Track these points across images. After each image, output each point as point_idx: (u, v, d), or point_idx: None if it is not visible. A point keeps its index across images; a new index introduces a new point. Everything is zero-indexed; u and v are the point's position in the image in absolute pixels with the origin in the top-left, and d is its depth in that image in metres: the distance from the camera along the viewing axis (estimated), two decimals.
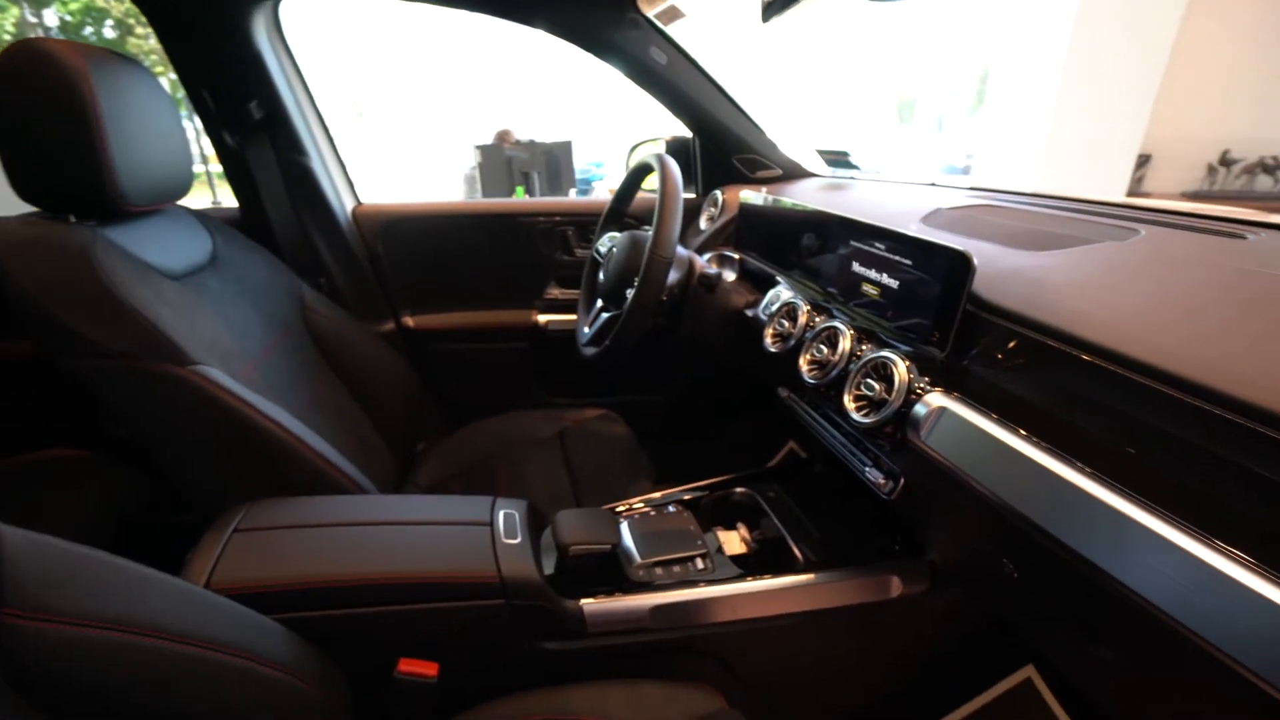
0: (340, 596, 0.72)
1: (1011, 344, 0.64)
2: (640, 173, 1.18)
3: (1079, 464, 0.53)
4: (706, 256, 1.28)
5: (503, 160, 3.72)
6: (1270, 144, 3.34)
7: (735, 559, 0.92)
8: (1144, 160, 3.71)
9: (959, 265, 0.68)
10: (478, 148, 3.89)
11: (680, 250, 1.10)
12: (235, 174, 1.33)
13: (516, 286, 1.64)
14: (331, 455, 0.93)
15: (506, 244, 1.61)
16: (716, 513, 1.04)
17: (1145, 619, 0.46)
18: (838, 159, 1.40)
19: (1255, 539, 0.42)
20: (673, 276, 1.07)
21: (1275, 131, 3.30)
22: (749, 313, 1.08)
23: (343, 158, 1.52)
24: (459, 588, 0.76)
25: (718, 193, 1.45)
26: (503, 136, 4.07)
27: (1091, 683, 0.64)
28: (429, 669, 0.75)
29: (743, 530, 0.97)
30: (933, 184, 1.26)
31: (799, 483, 1.08)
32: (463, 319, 1.65)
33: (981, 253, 0.76)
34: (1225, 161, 3.48)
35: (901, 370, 0.72)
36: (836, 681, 0.99)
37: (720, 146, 1.47)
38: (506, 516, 0.84)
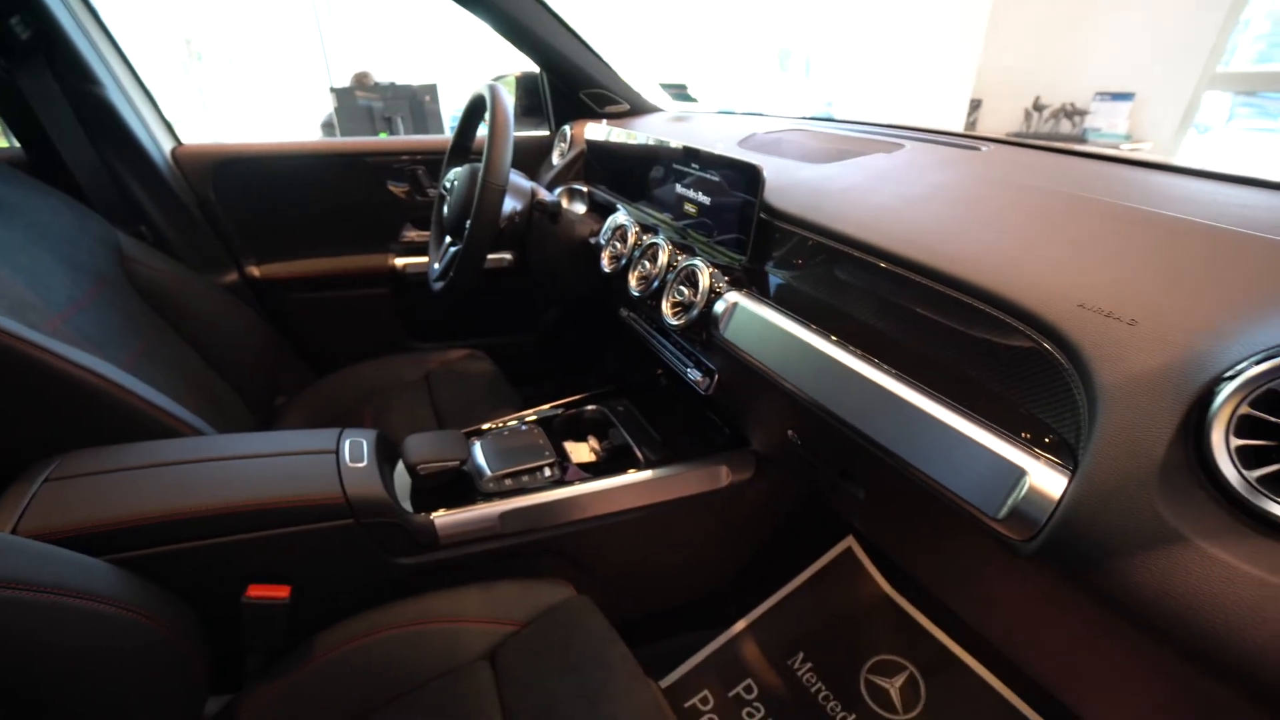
0: (175, 531, 0.71)
1: (795, 244, 0.73)
2: (477, 106, 1.17)
3: (839, 340, 0.64)
4: (558, 191, 1.31)
5: (360, 105, 3.47)
6: (1071, 93, 3.82)
7: (583, 466, 0.99)
8: (976, 105, 4.10)
9: (752, 177, 0.76)
10: (333, 91, 3.59)
11: (520, 181, 1.12)
12: (7, 107, 1.17)
13: (370, 230, 1.59)
14: (163, 401, 0.88)
15: (355, 186, 1.54)
16: (568, 429, 1.10)
17: (879, 459, 0.57)
18: (678, 92, 1.46)
19: (956, 384, 0.53)
20: (514, 206, 1.09)
21: (1074, 82, 3.78)
22: (592, 240, 1.13)
23: (151, 91, 1.38)
24: (304, 511, 0.77)
25: (567, 128, 1.47)
26: (360, 79, 3.78)
27: (860, 522, 0.78)
28: (279, 591, 0.76)
29: (592, 442, 1.05)
30: (761, 114, 1.35)
31: (648, 397, 1.17)
32: (315, 266, 1.57)
33: (779, 167, 0.85)
34: (1038, 107, 3.94)
35: (705, 275, 0.80)
36: (683, 568, 1.10)
37: (568, 82, 1.48)
38: (353, 444, 0.86)
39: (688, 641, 1.12)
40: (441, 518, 0.86)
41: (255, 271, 1.52)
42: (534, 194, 1.12)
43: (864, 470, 0.66)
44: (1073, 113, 3.81)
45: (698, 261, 0.82)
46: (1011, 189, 0.68)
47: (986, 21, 3.69)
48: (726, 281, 0.79)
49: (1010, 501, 0.45)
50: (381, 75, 3.96)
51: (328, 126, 3.75)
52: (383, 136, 3.47)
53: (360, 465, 0.82)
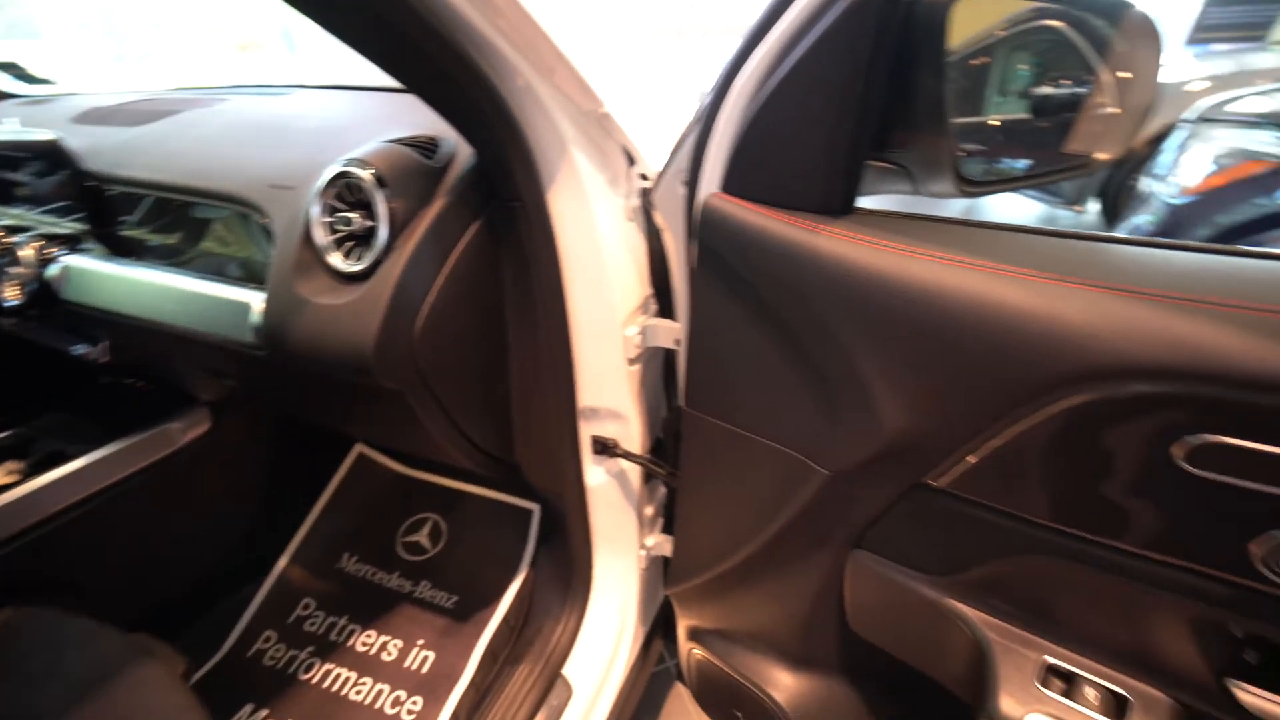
0: None
1: (124, 197, 0.81)
2: None
3: (162, 263, 0.76)
4: None
5: None
6: None
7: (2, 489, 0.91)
8: None
9: (49, 150, 0.79)
10: None
11: None
12: None
13: None
14: None
15: None
16: None
17: (203, 345, 0.72)
18: (18, 72, 1.31)
19: (216, 260, 0.70)
20: None
21: None
22: None
23: None
24: None
25: None
26: None
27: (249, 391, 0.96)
28: None
29: (10, 465, 0.96)
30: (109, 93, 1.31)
31: (88, 400, 1.11)
32: None
33: (104, 135, 0.89)
34: None
35: (30, 249, 0.81)
36: (192, 535, 1.12)
37: None
38: None
39: (241, 600, 1.16)
40: None
41: None
42: None
43: (211, 359, 0.82)
44: None
45: (18, 239, 0.81)
46: (270, 119, 0.90)
47: None
48: (58, 248, 0.82)
49: (251, 325, 0.65)
50: None
51: None
52: None
53: None
